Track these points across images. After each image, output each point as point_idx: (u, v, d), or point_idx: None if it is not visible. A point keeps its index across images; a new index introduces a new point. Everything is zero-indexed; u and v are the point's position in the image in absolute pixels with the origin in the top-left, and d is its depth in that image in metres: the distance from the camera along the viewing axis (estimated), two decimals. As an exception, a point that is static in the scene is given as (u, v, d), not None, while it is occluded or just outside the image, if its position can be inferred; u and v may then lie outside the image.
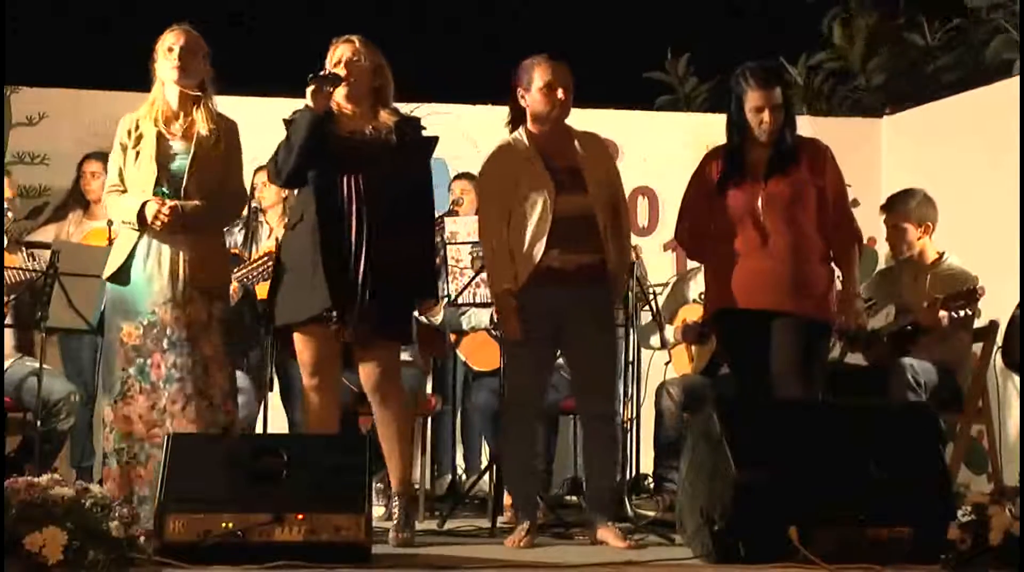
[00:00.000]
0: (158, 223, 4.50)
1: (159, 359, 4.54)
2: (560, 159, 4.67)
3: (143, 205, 4.52)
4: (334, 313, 4.48)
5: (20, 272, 5.28)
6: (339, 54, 4.60)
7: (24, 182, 6.60)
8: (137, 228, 4.56)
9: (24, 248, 5.55)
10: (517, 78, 4.68)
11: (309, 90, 4.50)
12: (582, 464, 5.89)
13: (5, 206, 5.48)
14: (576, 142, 4.71)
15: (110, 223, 5.71)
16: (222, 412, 4.59)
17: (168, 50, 4.60)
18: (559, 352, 4.80)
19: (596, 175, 4.67)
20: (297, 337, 4.61)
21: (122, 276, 4.59)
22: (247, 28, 8.66)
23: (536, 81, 4.63)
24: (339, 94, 4.59)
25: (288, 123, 4.60)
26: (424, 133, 4.72)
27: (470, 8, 9.54)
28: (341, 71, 4.57)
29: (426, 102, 6.69)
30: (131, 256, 4.58)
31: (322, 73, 4.53)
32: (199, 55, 4.65)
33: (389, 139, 4.59)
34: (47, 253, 5.17)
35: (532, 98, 4.65)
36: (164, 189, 4.55)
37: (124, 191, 4.63)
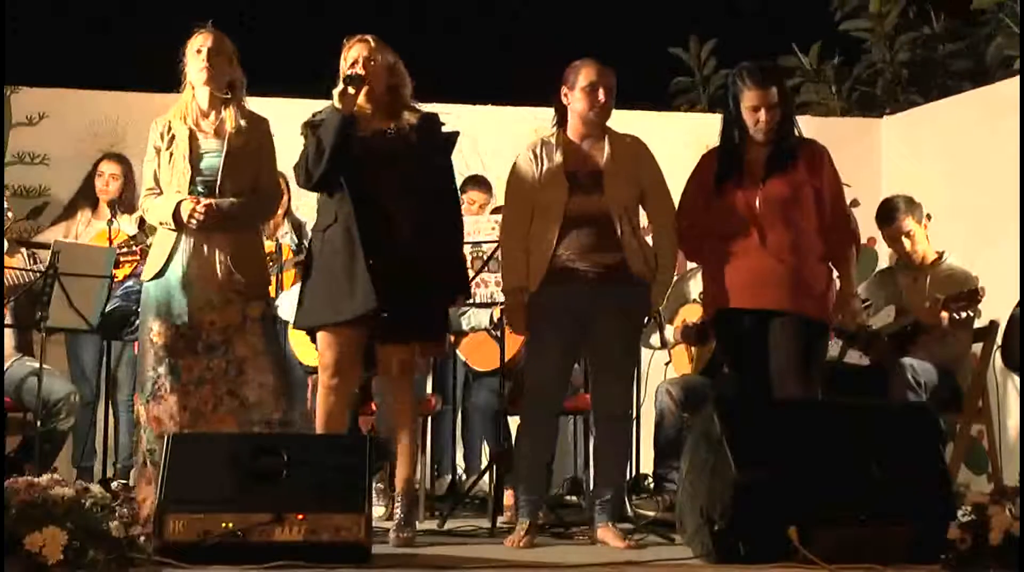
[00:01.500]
0: (194, 222, 4.51)
1: (191, 361, 4.54)
2: (583, 161, 4.68)
3: (178, 204, 4.52)
4: (383, 313, 4.47)
5: (20, 273, 5.28)
6: (355, 54, 4.61)
7: (24, 182, 6.61)
8: (174, 228, 4.56)
9: (25, 249, 5.55)
10: (564, 77, 4.71)
11: (336, 91, 4.51)
12: (584, 463, 5.90)
13: (5, 206, 5.48)
14: (607, 144, 4.71)
15: (110, 223, 5.72)
16: (259, 410, 4.58)
17: (196, 52, 4.62)
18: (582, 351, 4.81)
19: (620, 176, 4.67)
20: (322, 337, 4.61)
21: (160, 277, 4.60)
22: (247, 28, 8.66)
23: (580, 81, 4.66)
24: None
25: (310, 127, 4.60)
26: (445, 128, 4.73)
27: (470, 8, 9.55)
28: (360, 71, 4.58)
29: (426, 102, 6.67)
30: (170, 257, 4.58)
31: (349, 72, 4.53)
32: (226, 57, 4.65)
33: (411, 137, 4.60)
34: (48, 253, 5.17)
35: (574, 97, 4.68)
36: (199, 188, 4.56)
37: (160, 194, 4.64)
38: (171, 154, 4.61)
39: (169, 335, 4.55)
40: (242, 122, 4.64)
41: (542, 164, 4.68)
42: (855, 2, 9.04)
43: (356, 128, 4.56)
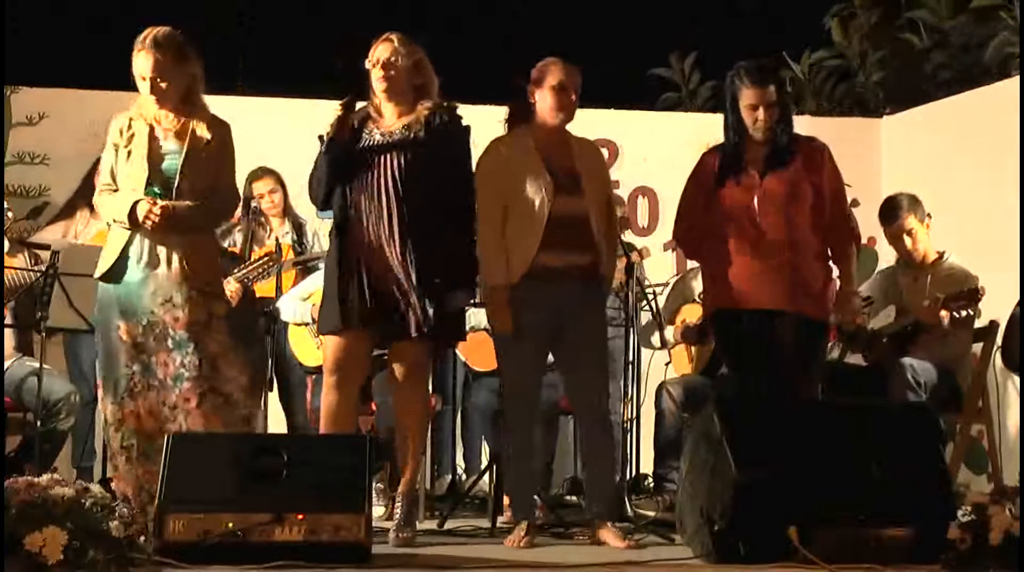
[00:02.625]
0: (149, 223, 4.49)
1: (165, 357, 4.53)
2: (558, 160, 4.69)
3: (134, 204, 4.50)
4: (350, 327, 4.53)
5: (20, 273, 5.27)
6: (377, 55, 4.63)
7: (24, 182, 6.61)
8: (129, 227, 4.54)
9: (27, 249, 5.55)
10: (529, 76, 4.71)
11: (330, 125, 4.55)
12: (582, 464, 5.90)
13: (5, 206, 5.48)
14: (573, 146, 4.73)
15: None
16: (240, 407, 4.59)
17: (141, 79, 4.56)
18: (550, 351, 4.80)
19: (592, 179, 4.70)
20: (327, 338, 4.66)
21: (114, 275, 4.56)
22: (247, 28, 8.66)
23: (549, 79, 4.66)
24: (379, 91, 4.61)
25: (323, 140, 4.62)
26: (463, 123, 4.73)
27: (472, 8, 9.55)
28: (380, 72, 4.58)
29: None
30: (123, 255, 4.56)
31: (337, 115, 4.54)
32: (173, 72, 4.54)
33: (421, 135, 4.61)
34: (48, 253, 5.17)
35: (542, 95, 4.68)
36: (156, 189, 4.54)
37: (116, 190, 4.60)
38: (130, 152, 4.57)
39: (137, 333, 4.53)
40: (204, 125, 4.60)
41: (516, 161, 4.67)
42: (827, 28, 9.08)
43: (367, 130, 4.61)
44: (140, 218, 4.50)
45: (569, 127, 4.77)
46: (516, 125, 4.76)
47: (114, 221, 4.59)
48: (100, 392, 4.67)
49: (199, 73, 4.64)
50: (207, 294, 4.61)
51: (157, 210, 4.48)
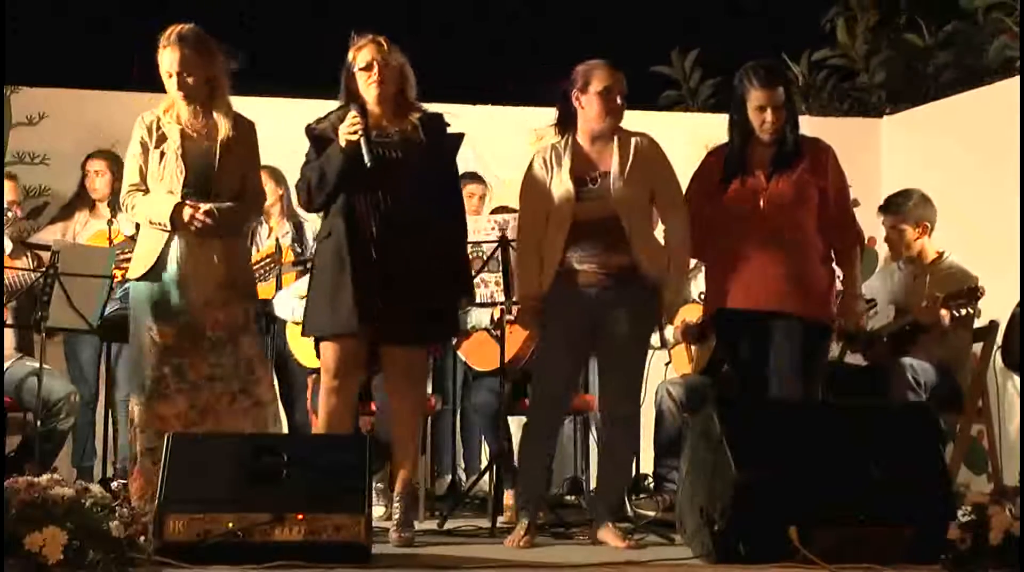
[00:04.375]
0: (195, 226, 4.49)
1: (199, 360, 4.53)
2: (591, 165, 4.65)
3: (176, 208, 4.48)
4: (362, 330, 4.50)
5: (21, 273, 5.27)
6: (369, 56, 4.58)
7: (24, 182, 6.60)
8: (169, 229, 4.52)
9: (29, 251, 5.55)
10: (571, 80, 4.66)
11: (343, 128, 4.48)
12: (584, 463, 5.90)
13: (6, 206, 5.48)
14: (615, 144, 4.66)
15: (110, 223, 5.71)
16: (269, 407, 4.63)
17: (168, 76, 4.56)
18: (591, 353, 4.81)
19: (628, 177, 4.61)
20: (325, 341, 4.63)
21: (153, 276, 4.55)
22: (247, 28, 8.66)
23: (595, 85, 4.61)
24: (371, 97, 4.58)
25: (312, 139, 4.59)
26: (449, 129, 4.71)
27: (472, 9, 9.56)
28: (375, 76, 4.55)
29: (426, 102, 6.67)
30: (162, 256, 4.55)
31: (355, 122, 4.47)
32: (200, 67, 4.56)
33: (417, 138, 4.60)
34: (48, 254, 5.17)
35: (587, 101, 4.63)
36: (191, 190, 4.53)
37: (146, 191, 4.60)
38: (162, 153, 4.56)
39: (172, 334, 4.53)
40: (232, 125, 4.61)
41: (552, 171, 4.66)
42: (827, 29, 9.07)
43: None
44: (185, 220, 4.48)
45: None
46: (565, 130, 4.72)
47: (150, 223, 4.57)
48: (125, 391, 4.64)
49: (223, 69, 4.63)
50: (243, 295, 4.65)
51: (202, 215, 4.47)
